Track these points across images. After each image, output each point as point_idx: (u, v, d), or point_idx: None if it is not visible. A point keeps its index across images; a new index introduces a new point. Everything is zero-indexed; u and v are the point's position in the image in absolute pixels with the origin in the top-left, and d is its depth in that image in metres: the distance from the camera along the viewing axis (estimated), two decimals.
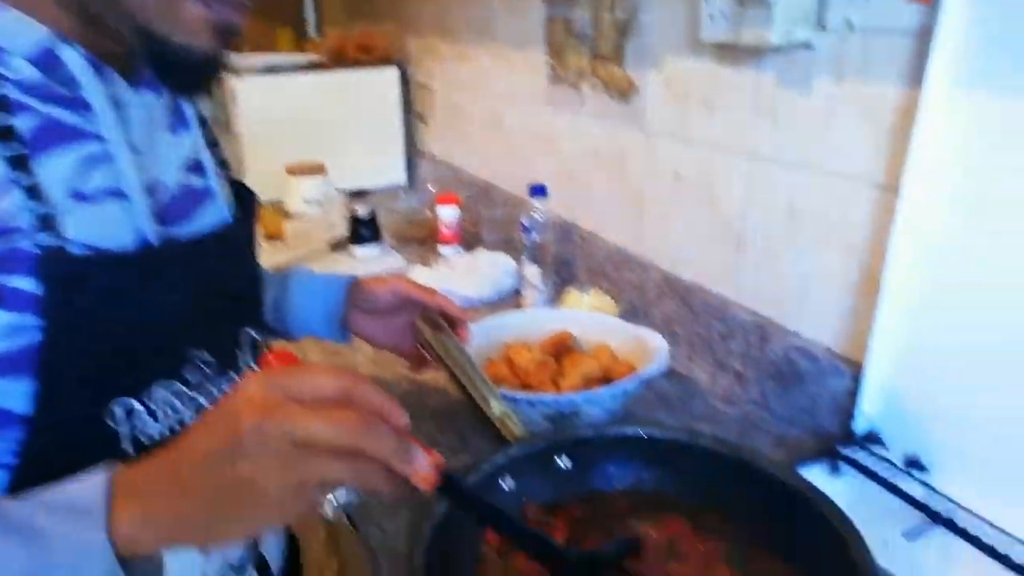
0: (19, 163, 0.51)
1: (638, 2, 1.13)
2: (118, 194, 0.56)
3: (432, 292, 0.91)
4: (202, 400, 0.63)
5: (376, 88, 2.04)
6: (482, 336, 1.05)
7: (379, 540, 0.79)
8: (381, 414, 0.46)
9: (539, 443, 0.72)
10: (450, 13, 1.80)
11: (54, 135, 0.53)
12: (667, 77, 1.10)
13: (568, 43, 1.34)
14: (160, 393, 0.59)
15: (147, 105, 0.61)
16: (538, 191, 1.31)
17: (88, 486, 0.45)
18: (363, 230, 1.58)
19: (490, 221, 1.52)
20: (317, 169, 1.89)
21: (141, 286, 0.57)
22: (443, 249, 1.59)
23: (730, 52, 0.97)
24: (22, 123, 0.52)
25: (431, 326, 0.89)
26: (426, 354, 0.93)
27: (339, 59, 2.07)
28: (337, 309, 0.91)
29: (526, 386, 0.97)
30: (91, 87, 0.55)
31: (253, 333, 0.71)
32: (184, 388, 0.61)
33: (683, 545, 0.63)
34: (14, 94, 0.52)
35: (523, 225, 1.33)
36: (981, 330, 0.71)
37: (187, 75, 0.57)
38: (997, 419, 0.71)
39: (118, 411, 0.56)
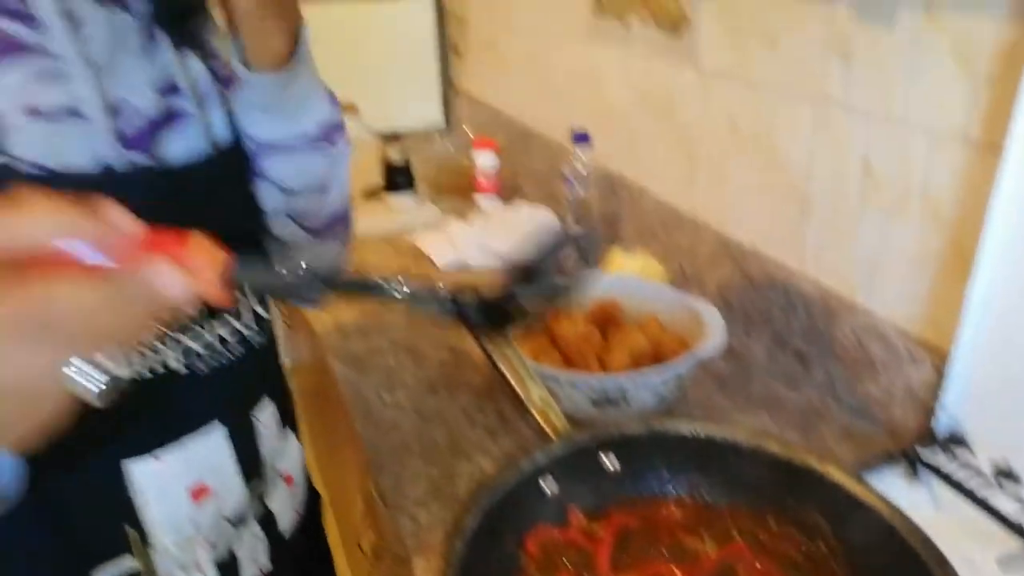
0: None
1: None
2: (75, 113, 0.55)
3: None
4: (188, 342, 0.61)
5: (409, 20, 1.93)
6: None
7: (411, 530, 0.75)
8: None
9: (583, 440, 0.66)
10: None
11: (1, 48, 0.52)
12: (722, 6, 0.98)
13: None
14: None
15: (111, 22, 0.58)
16: (581, 139, 1.22)
17: None
18: (398, 178, 1.50)
19: (530, 172, 1.42)
20: (349, 109, 1.80)
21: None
22: (481, 199, 1.50)
23: None
24: None
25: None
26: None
27: None
28: None
29: (568, 362, 0.90)
30: (40, 0, 0.53)
31: None
32: (162, 328, 0.58)
33: (740, 570, 0.57)
34: None
35: (566, 178, 1.24)
36: None
37: None
38: None
39: None
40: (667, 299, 0.96)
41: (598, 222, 1.33)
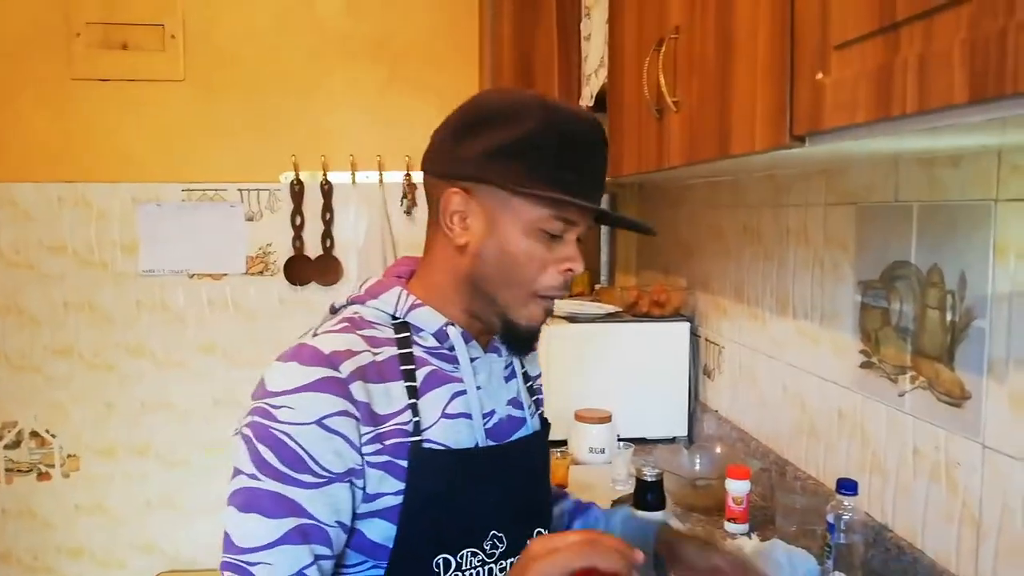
0: (413, 393, 0.86)
1: (974, 307, 1.07)
2: (467, 416, 0.90)
3: None
4: (495, 569, 0.90)
5: (666, 342, 2.11)
6: None
7: None
8: (619, 550, 0.71)
9: None
10: (746, 276, 1.85)
11: (437, 378, 0.90)
12: (1012, 393, 1.01)
13: (885, 333, 1.30)
14: (467, 556, 0.88)
15: (490, 361, 0.96)
16: (848, 488, 1.22)
17: None
18: (649, 494, 1.56)
19: (786, 507, 1.43)
20: (604, 418, 1.95)
21: (467, 474, 0.88)
22: (730, 527, 1.51)
23: None
24: (421, 371, 0.88)
25: None
26: None
27: (633, 310, 2.19)
28: (647, 544, 1.04)
29: None
30: (460, 351, 0.91)
31: (544, 531, 0.99)
32: (484, 557, 0.89)
33: None
34: (420, 353, 0.90)
35: (828, 522, 1.24)
36: None
37: (524, 343, 0.94)
38: None
39: (440, 562, 0.86)
40: None
41: (861, 571, 1.28)
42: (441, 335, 0.90)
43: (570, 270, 0.89)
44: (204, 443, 2.76)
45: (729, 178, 1.92)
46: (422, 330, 0.90)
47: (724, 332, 1.99)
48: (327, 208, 2.70)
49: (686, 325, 2.11)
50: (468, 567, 0.88)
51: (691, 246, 2.24)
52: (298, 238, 2.70)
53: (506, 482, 0.92)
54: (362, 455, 0.81)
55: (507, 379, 0.99)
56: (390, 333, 0.89)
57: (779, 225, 1.68)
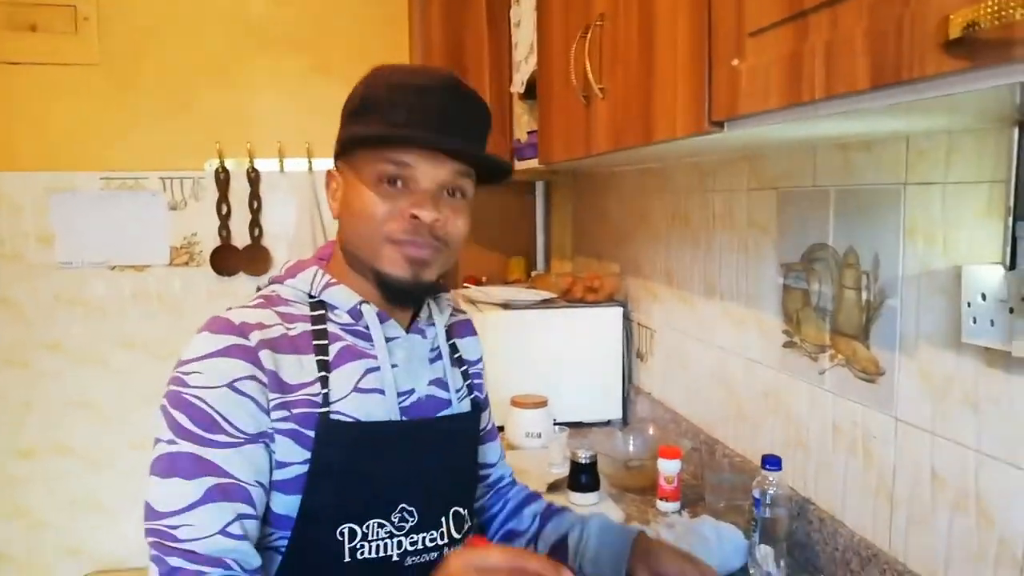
0: (324, 366, 0.89)
1: (886, 286, 1.12)
2: (380, 391, 0.92)
3: None
4: (404, 542, 0.91)
5: (600, 327, 2.14)
6: None
7: None
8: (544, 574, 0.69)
9: None
10: (675, 261, 1.88)
11: (350, 353, 0.92)
12: (921, 368, 1.05)
13: (805, 313, 1.34)
14: (374, 526, 0.89)
15: (412, 342, 0.98)
16: (772, 464, 1.26)
17: None
18: (583, 476, 1.59)
19: (715, 486, 1.46)
20: (540, 403, 1.97)
21: (375, 447, 0.90)
22: (662, 505, 1.54)
23: (1000, 358, 0.91)
24: (334, 346, 0.91)
25: None
26: None
27: (568, 296, 2.21)
28: (622, 557, 1.02)
29: None
30: (375, 329, 0.93)
31: (461, 510, 0.99)
32: (392, 529, 0.91)
33: None
34: (335, 330, 0.92)
35: (754, 497, 1.27)
36: None
37: (398, 293, 0.93)
38: None
39: (345, 531, 0.87)
40: None
41: (786, 543, 1.32)
42: (355, 313, 0.93)
43: (415, 216, 0.88)
44: (128, 440, 2.67)
45: (657, 165, 1.95)
46: (337, 308, 0.93)
47: (656, 316, 2.03)
48: (255, 196, 2.64)
49: (619, 310, 2.14)
50: (375, 538, 0.89)
51: (622, 232, 2.26)
52: (224, 227, 2.63)
53: (419, 458, 0.94)
54: (271, 420, 0.84)
55: (432, 360, 1.01)
56: (306, 310, 0.92)
57: (706, 210, 1.72)
